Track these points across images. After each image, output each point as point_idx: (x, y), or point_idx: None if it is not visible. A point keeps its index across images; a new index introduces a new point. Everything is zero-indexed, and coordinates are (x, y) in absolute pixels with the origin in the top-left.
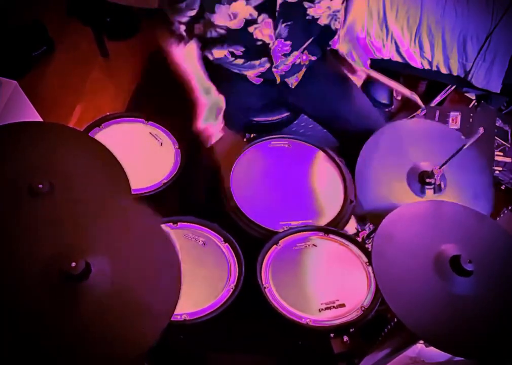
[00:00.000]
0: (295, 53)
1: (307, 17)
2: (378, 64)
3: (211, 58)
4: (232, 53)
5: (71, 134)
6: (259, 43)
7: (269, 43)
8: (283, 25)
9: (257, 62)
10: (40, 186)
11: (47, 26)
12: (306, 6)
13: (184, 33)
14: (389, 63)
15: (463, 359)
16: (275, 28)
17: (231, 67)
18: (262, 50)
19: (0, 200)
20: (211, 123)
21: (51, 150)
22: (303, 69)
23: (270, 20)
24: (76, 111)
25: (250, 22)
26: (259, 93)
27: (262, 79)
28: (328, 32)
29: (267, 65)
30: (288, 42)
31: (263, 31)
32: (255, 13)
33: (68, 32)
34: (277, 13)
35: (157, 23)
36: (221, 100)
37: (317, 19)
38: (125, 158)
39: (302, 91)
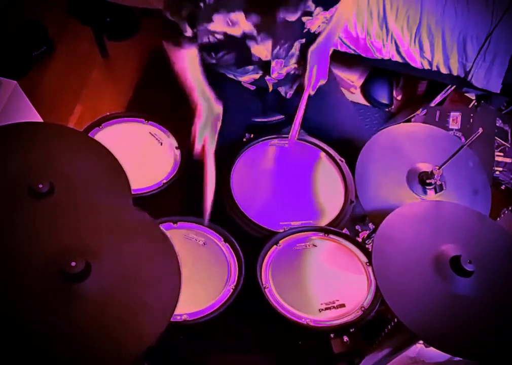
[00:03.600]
0: (290, 65)
1: (304, 31)
2: (378, 64)
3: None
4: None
5: (70, 134)
6: (256, 59)
7: (267, 60)
8: (283, 47)
9: (250, 67)
10: (40, 186)
11: (47, 26)
12: (304, 20)
13: (191, 35)
14: (389, 63)
15: (462, 359)
16: (273, 47)
17: (226, 71)
18: (260, 64)
19: (0, 200)
20: (206, 135)
21: (52, 150)
22: (299, 79)
23: (270, 40)
24: (76, 111)
25: (249, 37)
26: (254, 98)
27: (255, 87)
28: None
29: (260, 73)
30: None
31: (261, 51)
32: (254, 31)
33: (68, 32)
34: (277, 33)
35: (162, 26)
36: (218, 109)
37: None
38: (125, 158)
39: (296, 102)
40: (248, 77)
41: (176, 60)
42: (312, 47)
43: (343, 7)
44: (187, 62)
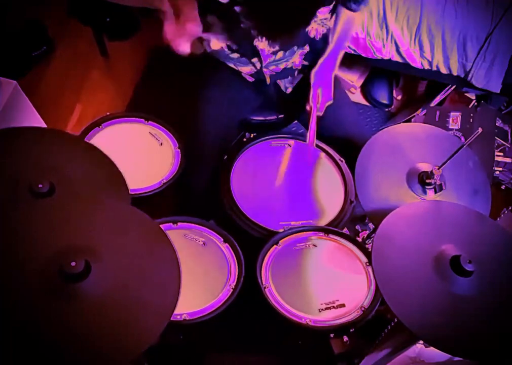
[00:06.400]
0: (287, 57)
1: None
2: (378, 64)
3: (208, 49)
4: (229, 47)
5: (68, 139)
6: (244, 26)
7: (254, 35)
8: None
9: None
10: (40, 186)
11: (47, 26)
12: None
13: None
14: (389, 63)
15: (462, 359)
16: None
17: (227, 61)
18: (250, 41)
19: (0, 200)
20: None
21: (51, 153)
22: (299, 75)
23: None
24: (76, 111)
25: (236, 1)
26: (253, 90)
27: (254, 79)
28: (318, 43)
29: (259, 65)
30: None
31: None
32: None
33: (68, 32)
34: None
35: None
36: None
37: (308, 31)
38: (125, 158)
39: (296, 98)
40: (248, 68)
41: None
42: (315, 69)
43: (343, 28)
44: None
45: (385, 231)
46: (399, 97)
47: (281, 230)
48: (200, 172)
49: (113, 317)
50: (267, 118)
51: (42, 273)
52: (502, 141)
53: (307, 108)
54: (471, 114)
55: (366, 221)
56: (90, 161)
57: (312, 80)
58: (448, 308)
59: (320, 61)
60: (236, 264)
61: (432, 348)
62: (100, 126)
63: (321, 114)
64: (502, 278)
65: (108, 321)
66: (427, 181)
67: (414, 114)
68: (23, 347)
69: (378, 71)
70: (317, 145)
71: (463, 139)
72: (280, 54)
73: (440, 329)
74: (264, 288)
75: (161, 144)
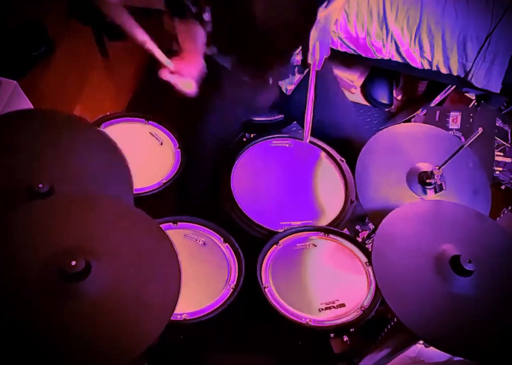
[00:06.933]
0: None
1: None
2: (378, 64)
3: (208, 52)
4: None
5: (76, 124)
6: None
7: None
8: None
9: None
10: (40, 185)
11: (47, 26)
12: None
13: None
14: (389, 63)
15: (462, 359)
16: None
17: (227, 64)
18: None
19: (0, 199)
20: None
21: (54, 145)
22: (300, 76)
23: None
24: (76, 111)
25: None
26: (253, 93)
27: None
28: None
29: None
30: None
31: None
32: None
33: (68, 32)
34: None
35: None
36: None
37: None
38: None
39: (296, 99)
40: None
41: (180, 32)
42: (314, 26)
43: None
44: (191, 33)
45: (385, 231)
46: (399, 97)
47: (281, 230)
48: (201, 172)
49: (113, 317)
50: (267, 118)
51: (42, 273)
52: (502, 141)
53: (308, 62)
54: (471, 114)
55: (366, 221)
56: (97, 150)
57: (310, 36)
58: (448, 308)
59: (318, 18)
60: (237, 264)
61: (432, 348)
62: (100, 126)
63: (319, 69)
64: (502, 277)
65: (108, 321)
66: (427, 181)
67: (414, 114)
68: (23, 347)
69: (378, 71)
70: (317, 145)
71: (463, 139)
72: None
73: (440, 329)
74: (264, 288)
75: (161, 144)
